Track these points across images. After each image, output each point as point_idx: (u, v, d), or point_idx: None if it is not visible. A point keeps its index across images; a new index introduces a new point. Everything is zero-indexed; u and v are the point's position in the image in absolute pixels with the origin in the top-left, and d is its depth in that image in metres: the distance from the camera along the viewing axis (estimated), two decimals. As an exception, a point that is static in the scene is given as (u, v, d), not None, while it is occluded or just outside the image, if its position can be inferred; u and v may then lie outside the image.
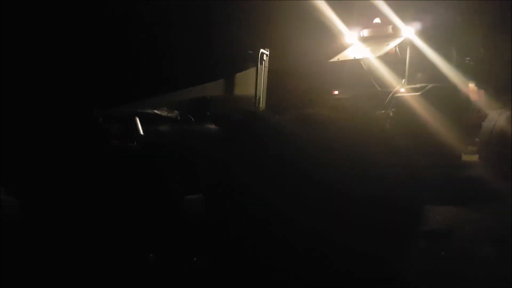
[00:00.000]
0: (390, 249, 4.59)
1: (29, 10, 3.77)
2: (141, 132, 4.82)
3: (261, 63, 8.45)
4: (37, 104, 4.11)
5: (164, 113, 5.16)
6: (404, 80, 8.32)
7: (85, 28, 4.09)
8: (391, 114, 7.97)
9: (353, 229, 4.23)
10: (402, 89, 8.08)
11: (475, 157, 8.66)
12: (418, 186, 4.78)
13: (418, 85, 7.97)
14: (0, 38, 3.74)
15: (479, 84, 8.71)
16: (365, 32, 8.80)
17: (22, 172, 4.34)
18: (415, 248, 4.86)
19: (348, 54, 8.76)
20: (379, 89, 8.59)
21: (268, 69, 8.67)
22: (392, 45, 8.31)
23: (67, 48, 4.05)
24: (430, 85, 7.82)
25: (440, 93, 7.75)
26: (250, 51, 7.70)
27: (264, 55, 8.50)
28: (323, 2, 8.78)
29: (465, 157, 8.61)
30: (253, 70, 8.40)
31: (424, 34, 8.15)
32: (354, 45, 8.88)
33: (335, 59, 8.82)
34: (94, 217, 4.35)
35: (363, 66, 8.82)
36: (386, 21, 8.44)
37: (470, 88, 8.53)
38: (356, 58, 8.65)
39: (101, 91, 4.43)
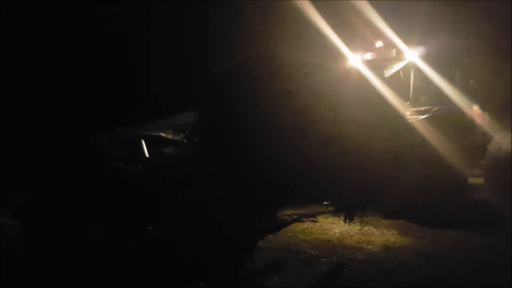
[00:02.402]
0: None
1: (39, 35, 3.80)
2: (147, 155, 4.80)
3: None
4: (42, 127, 4.11)
5: (169, 136, 5.15)
6: (408, 103, 8.33)
7: (92, 52, 4.11)
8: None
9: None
10: (406, 112, 8.07)
11: (480, 180, 8.61)
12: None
13: (422, 108, 7.96)
14: (11, 60, 3.76)
15: (483, 107, 8.71)
16: (369, 56, 8.84)
17: (24, 195, 4.33)
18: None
19: (351, 77, 8.78)
20: (383, 112, 8.58)
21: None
22: (395, 68, 8.34)
23: (74, 71, 4.07)
24: (435, 108, 7.81)
25: (445, 116, 7.73)
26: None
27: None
28: (326, 25, 8.86)
29: (471, 180, 8.56)
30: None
31: (427, 58, 8.18)
32: (357, 68, 8.90)
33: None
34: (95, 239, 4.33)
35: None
36: (389, 44, 8.48)
37: (475, 111, 8.53)
38: (360, 81, 8.67)
39: (106, 114, 4.43)
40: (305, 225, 6.89)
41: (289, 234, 6.31)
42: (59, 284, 4.05)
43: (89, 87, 4.16)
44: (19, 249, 4.52)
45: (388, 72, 8.41)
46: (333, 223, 7.08)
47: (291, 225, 6.88)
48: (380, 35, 8.57)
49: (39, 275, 4.15)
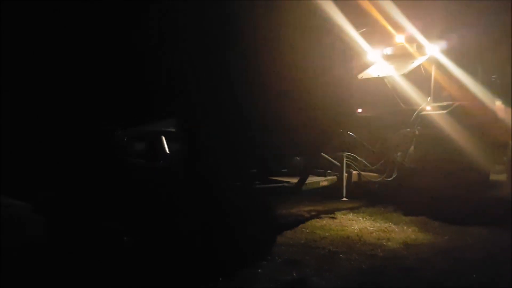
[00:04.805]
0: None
1: (58, 32, 3.84)
2: (167, 151, 4.84)
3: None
4: (61, 125, 4.16)
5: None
6: (429, 98, 8.24)
7: (110, 49, 4.13)
8: (417, 132, 7.89)
9: None
10: (427, 107, 8.00)
11: (503, 176, 8.50)
12: None
13: (444, 103, 7.86)
14: (26, 56, 3.81)
15: (506, 102, 8.57)
16: (389, 50, 8.75)
17: (49, 190, 4.39)
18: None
19: (371, 72, 8.71)
20: (404, 107, 8.51)
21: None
22: (416, 63, 8.24)
23: (91, 68, 4.10)
24: (456, 103, 7.71)
25: (467, 111, 7.63)
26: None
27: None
28: (346, 21, 8.76)
29: (493, 176, 8.44)
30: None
31: (449, 52, 8.07)
32: (377, 63, 8.83)
33: (358, 77, 8.78)
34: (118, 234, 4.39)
35: (388, 84, 8.74)
36: (410, 38, 8.38)
37: (497, 106, 8.40)
38: (380, 76, 8.60)
39: (126, 111, 4.47)
40: (324, 222, 6.87)
41: (307, 230, 6.30)
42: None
43: (109, 83, 4.18)
44: (40, 243, 4.62)
45: (409, 67, 8.31)
46: (352, 220, 7.05)
47: (310, 221, 6.87)
48: (400, 29, 8.46)
49: (56, 270, 4.23)
